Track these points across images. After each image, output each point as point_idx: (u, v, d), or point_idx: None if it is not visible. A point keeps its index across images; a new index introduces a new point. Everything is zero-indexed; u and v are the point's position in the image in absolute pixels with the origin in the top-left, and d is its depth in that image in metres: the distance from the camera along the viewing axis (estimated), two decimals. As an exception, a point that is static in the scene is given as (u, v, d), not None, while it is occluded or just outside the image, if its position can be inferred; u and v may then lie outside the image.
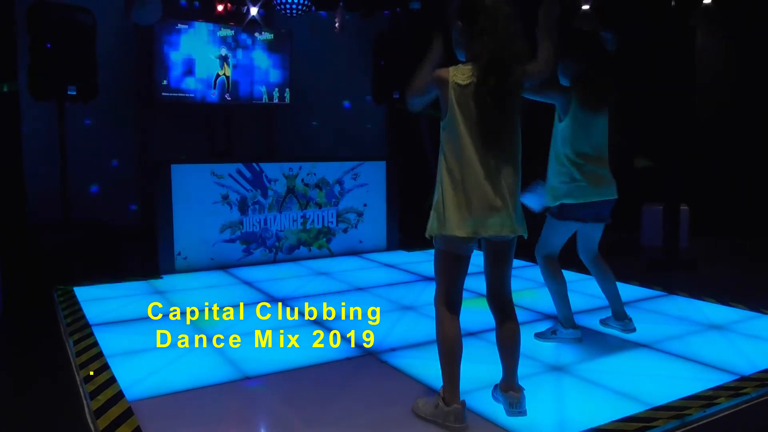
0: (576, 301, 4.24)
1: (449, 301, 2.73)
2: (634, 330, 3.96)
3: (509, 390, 2.81)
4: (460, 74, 2.59)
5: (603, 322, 4.11)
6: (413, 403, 2.82)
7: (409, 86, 2.72)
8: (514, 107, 2.63)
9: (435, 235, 2.70)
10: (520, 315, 4.40)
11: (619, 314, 3.99)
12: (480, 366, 3.29)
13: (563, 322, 3.79)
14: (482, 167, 2.58)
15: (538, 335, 3.85)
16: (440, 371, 2.71)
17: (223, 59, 7.50)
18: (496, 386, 2.91)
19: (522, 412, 2.77)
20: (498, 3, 2.55)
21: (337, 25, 7.31)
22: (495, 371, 2.97)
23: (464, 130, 2.58)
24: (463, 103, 2.58)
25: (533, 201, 3.73)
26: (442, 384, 2.70)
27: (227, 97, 7.56)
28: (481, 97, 2.55)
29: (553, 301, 3.81)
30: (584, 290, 4.74)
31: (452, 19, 2.66)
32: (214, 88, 7.49)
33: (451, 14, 2.67)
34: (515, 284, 5.07)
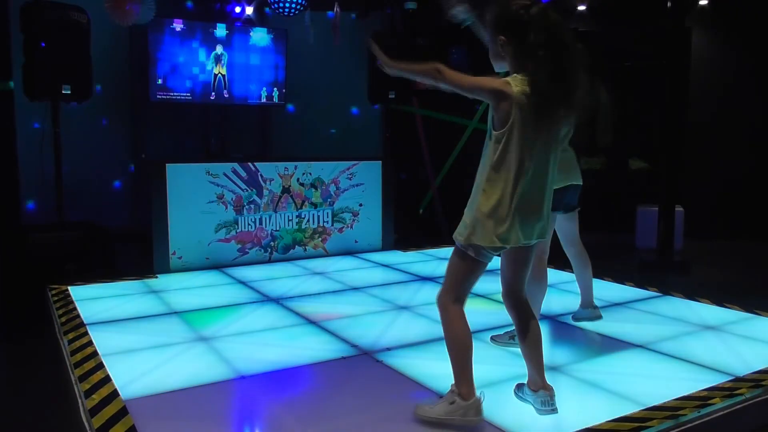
0: (571, 301, 4.26)
1: (459, 299, 2.71)
2: (600, 317, 4.05)
3: (540, 389, 2.80)
4: (520, 86, 2.51)
5: (574, 317, 4.16)
6: (416, 410, 2.76)
7: (454, 76, 2.54)
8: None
9: (473, 244, 2.62)
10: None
11: (587, 302, 4.08)
12: (478, 366, 3.28)
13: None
14: (534, 179, 2.59)
15: (495, 338, 3.77)
16: (451, 369, 2.69)
17: (218, 58, 7.49)
18: (520, 385, 2.90)
19: (554, 410, 2.78)
20: (553, 22, 2.48)
21: (333, 29, 7.30)
22: (492, 371, 2.99)
23: (522, 142, 2.53)
24: (524, 115, 2.51)
25: None
26: (454, 380, 2.68)
27: (222, 95, 7.55)
28: (540, 109, 2.51)
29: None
30: (578, 290, 4.75)
31: (492, 31, 2.60)
32: (213, 88, 7.47)
33: (488, 26, 2.62)
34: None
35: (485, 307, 4.51)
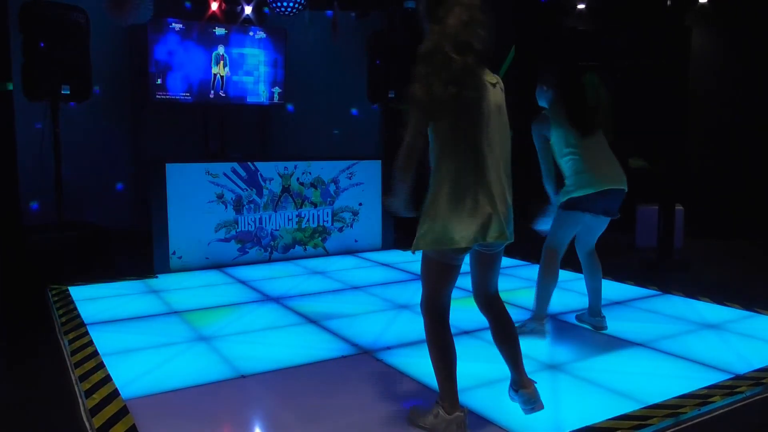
0: (570, 301, 4.26)
1: (441, 309, 2.64)
2: (605, 328, 4.01)
3: (521, 388, 2.72)
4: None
5: (578, 318, 4.16)
6: (408, 413, 2.75)
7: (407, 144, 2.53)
8: (484, 108, 2.53)
9: (430, 249, 2.55)
10: (515, 314, 4.41)
11: (595, 311, 4.05)
12: (477, 365, 3.30)
13: (535, 316, 3.83)
14: (468, 176, 2.49)
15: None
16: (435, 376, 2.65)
17: (219, 58, 7.49)
18: (510, 387, 2.84)
19: (539, 407, 2.70)
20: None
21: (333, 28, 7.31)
22: (492, 369, 2.99)
23: (442, 141, 2.51)
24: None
25: (546, 225, 3.80)
26: (438, 391, 2.63)
27: (221, 94, 7.54)
28: (425, 89, 2.45)
29: (536, 293, 3.83)
30: (579, 289, 4.75)
31: (422, 20, 2.55)
32: (212, 87, 7.47)
33: (420, 16, 2.57)
34: (510, 283, 5.10)
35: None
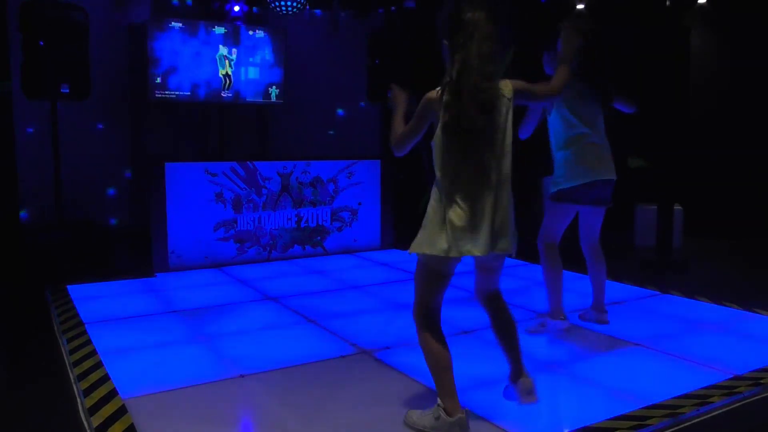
0: (570, 301, 4.25)
1: (433, 314, 2.68)
2: (606, 323, 4.02)
3: (519, 378, 2.75)
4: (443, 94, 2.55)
5: (582, 316, 4.15)
6: (406, 416, 2.74)
7: (395, 136, 2.68)
8: (496, 122, 2.57)
9: (426, 254, 2.58)
10: (515, 313, 4.42)
11: (599, 306, 4.05)
12: (475, 365, 3.29)
13: (552, 314, 3.83)
14: (472, 187, 2.53)
15: (529, 330, 3.86)
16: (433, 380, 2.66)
17: (224, 58, 7.48)
18: (506, 386, 2.85)
19: (533, 399, 2.73)
20: (477, 20, 2.48)
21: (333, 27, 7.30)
22: (491, 370, 2.98)
23: (448, 150, 2.55)
24: (445, 122, 2.52)
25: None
26: (438, 394, 2.63)
27: (222, 94, 7.54)
28: (454, 115, 2.50)
29: (546, 290, 3.84)
30: (580, 290, 4.75)
31: (441, 36, 2.61)
32: (223, 88, 7.45)
33: (439, 32, 2.63)
34: (510, 283, 5.10)
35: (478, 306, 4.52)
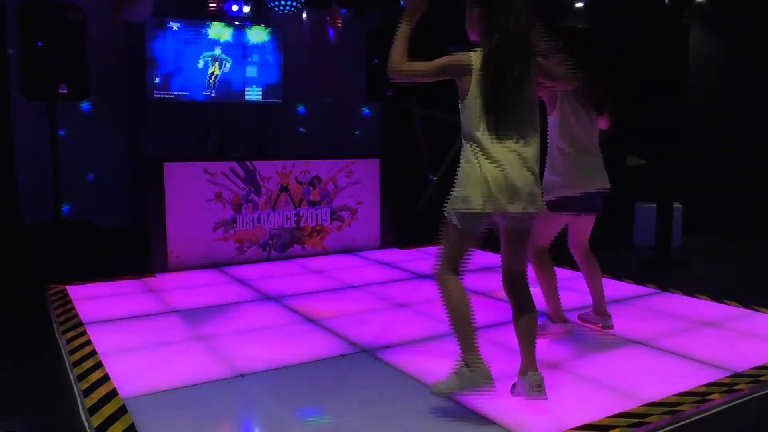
0: (569, 299, 4.26)
1: (455, 269, 2.77)
2: (611, 327, 3.98)
3: (528, 372, 2.80)
4: (476, 59, 2.68)
5: (581, 317, 4.11)
6: (432, 388, 2.78)
7: (399, 57, 2.75)
8: (527, 92, 2.70)
9: (450, 211, 2.72)
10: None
11: (600, 310, 4.01)
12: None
13: (552, 317, 3.79)
14: (497, 146, 2.64)
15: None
16: (455, 345, 2.73)
17: (216, 58, 7.48)
18: (514, 384, 2.88)
19: (543, 396, 2.77)
20: None
21: (333, 25, 7.28)
22: (492, 369, 2.96)
23: (481, 111, 2.66)
24: (482, 85, 2.65)
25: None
26: (460, 351, 2.70)
27: (223, 93, 7.54)
28: (488, 79, 2.63)
29: (543, 296, 3.78)
30: (578, 288, 4.75)
31: (469, 2, 2.72)
32: (208, 87, 7.46)
33: None
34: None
35: (486, 305, 4.53)
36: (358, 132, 8.84)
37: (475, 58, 2.67)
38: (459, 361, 2.70)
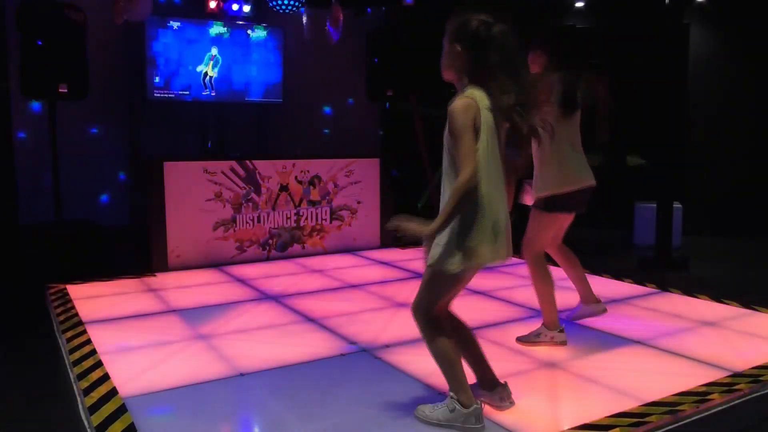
0: (570, 298, 4.25)
1: (441, 312, 2.72)
2: (605, 311, 3.97)
3: (496, 386, 2.83)
4: (483, 99, 2.50)
5: (573, 318, 4.06)
6: (416, 411, 2.76)
7: (465, 159, 2.47)
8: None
9: (461, 268, 2.54)
10: (515, 312, 4.43)
11: (589, 298, 3.99)
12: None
13: (548, 325, 3.70)
14: (500, 193, 2.58)
15: (521, 339, 3.74)
16: (443, 376, 2.68)
17: (213, 58, 7.47)
18: (480, 389, 2.86)
19: (512, 402, 2.82)
20: (504, 33, 2.48)
21: (334, 25, 7.27)
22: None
23: (489, 155, 2.52)
24: (487, 128, 2.50)
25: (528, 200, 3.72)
26: (449, 386, 2.67)
27: (222, 93, 7.54)
28: (498, 122, 2.54)
29: (539, 303, 3.73)
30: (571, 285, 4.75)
31: (450, 40, 2.56)
32: (206, 86, 7.46)
33: (447, 34, 2.57)
34: (509, 281, 5.11)
35: (485, 305, 4.53)
36: (357, 132, 8.83)
37: (479, 100, 2.48)
38: (451, 396, 2.66)
